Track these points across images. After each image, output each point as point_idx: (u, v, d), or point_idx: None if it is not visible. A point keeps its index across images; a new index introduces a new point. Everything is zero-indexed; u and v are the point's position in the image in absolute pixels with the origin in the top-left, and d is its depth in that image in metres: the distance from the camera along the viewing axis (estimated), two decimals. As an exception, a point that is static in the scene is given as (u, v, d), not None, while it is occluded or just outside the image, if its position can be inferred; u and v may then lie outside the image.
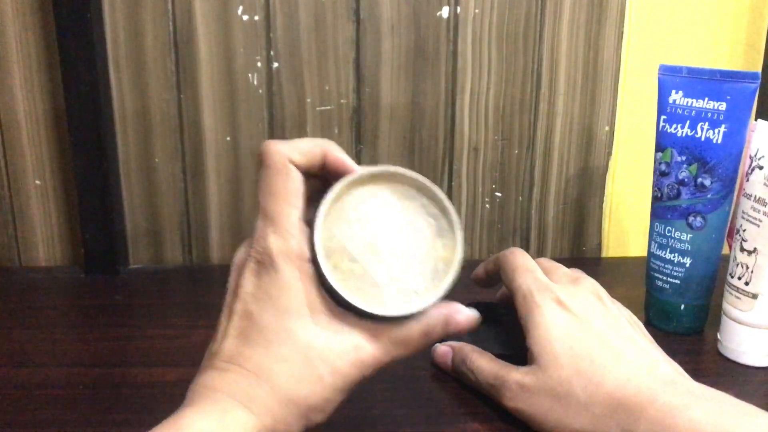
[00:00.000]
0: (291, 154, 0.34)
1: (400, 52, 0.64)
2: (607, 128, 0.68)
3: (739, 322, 0.48)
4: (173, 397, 0.43)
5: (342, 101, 0.65)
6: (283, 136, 0.65)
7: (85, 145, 0.61)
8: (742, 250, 0.48)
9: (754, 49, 0.68)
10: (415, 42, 0.64)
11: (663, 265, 0.53)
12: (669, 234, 0.52)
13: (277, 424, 0.31)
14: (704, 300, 0.53)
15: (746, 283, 0.47)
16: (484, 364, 0.42)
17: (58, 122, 0.64)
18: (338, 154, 0.35)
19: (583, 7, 0.65)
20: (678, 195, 0.51)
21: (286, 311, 0.32)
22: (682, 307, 0.52)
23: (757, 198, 0.47)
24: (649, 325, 0.52)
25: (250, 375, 0.32)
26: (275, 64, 0.64)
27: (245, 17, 0.63)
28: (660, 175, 0.52)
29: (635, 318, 0.43)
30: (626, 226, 0.72)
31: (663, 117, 0.52)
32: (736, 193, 0.51)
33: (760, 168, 0.47)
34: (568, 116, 0.68)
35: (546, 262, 0.45)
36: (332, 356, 0.32)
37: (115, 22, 0.62)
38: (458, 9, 0.64)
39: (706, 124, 0.49)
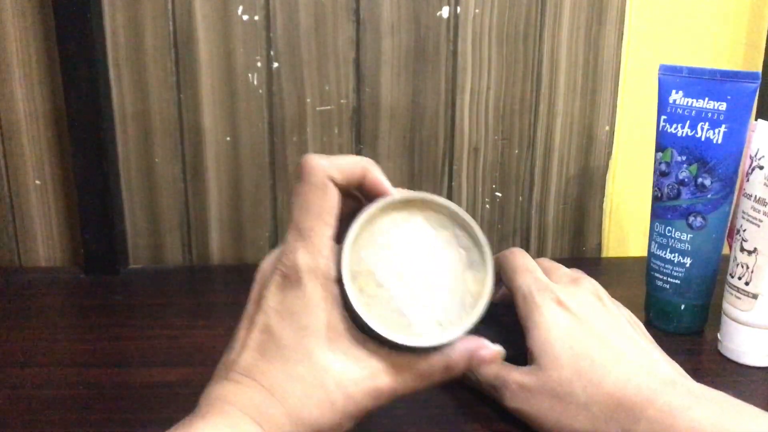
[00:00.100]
0: (331, 172, 0.33)
1: (400, 52, 0.64)
2: (607, 128, 0.68)
3: (740, 322, 0.48)
4: (173, 397, 0.44)
5: (342, 101, 0.65)
6: (283, 136, 0.65)
7: (85, 145, 0.61)
8: (743, 250, 0.48)
9: (755, 48, 0.68)
10: (415, 42, 0.64)
11: (663, 265, 0.53)
12: (669, 234, 0.52)
13: None
14: (704, 300, 0.53)
15: (746, 283, 0.47)
16: (484, 364, 0.42)
17: (58, 122, 0.64)
18: (377, 175, 0.35)
19: (583, 7, 0.65)
20: (678, 195, 0.51)
21: (307, 330, 0.32)
22: (682, 307, 0.52)
23: (758, 198, 0.47)
24: (649, 325, 0.52)
25: (265, 391, 0.32)
26: (275, 64, 0.64)
27: (245, 17, 0.63)
28: (660, 175, 0.52)
29: (635, 318, 0.43)
30: (626, 226, 0.72)
31: (663, 117, 0.52)
32: (736, 193, 0.51)
33: (761, 168, 0.47)
34: (568, 116, 0.68)
35: (546, 262, 0.45)
36: (347, 382, 0.32)
37: (115, 22, 0.62)
38: (458, 9, 0.64)
39: (707, 124, 0.49)
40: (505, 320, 0.45)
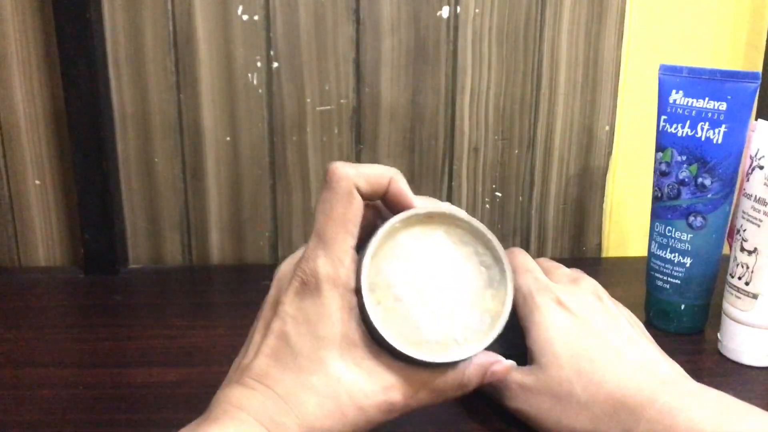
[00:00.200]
0: (357, 181, 0.33)
1: (400, 52, 0.64)
2: (607, 128, 0.68)
3: (740, 322, 0.48)
4: (173, 397, 0.44)
5: (342, 101, 0.65)
6: (283, 136, 0.65)
7: (85, 145, 0.61)
8: (743, 250, 0.48)
9: (755, 48, 0.68)
10: (415, 42, 0.64)
11: (663, 265, 0.53)
12: (669, 234, 0.52)
13: None
14: (704, 300, 0.53)
15: (746, 283, 0.47)
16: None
17: (58, 122, 0.64)
18: (402, 186, 0.35)
19: (583, 7, 0.65)
20: (678, 195, 0.51)
21: (323, 340, 0.32)
22: (683, 307, 0.52)
23: (758, 198, 0.47)
24: (649, 325, 0.52)
25: (279, 399, 0.32)
26: (275, 64, 0.64)
27: (245, 17, 0.62)
28: (660, 175, 0.52)
29: (635, 318, 0.43)
30: (626, 226, 0.72)
31: (663, 117, 0.52)
32: (736, 193, 0.51)
33: (761, 168, 0.47)
34: (568, 116, 0.68)
35: (546, 262, 0.45)
36: (360, 394, 0.32)
37: (115, 22, 0.62)
38: (458, 9, 0.64)
39: (707, 124, 0.49)
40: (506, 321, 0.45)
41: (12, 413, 0.42)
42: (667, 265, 0.52)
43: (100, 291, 0.61)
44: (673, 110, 0.51)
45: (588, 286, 0.42)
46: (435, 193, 0.68)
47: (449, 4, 0.64)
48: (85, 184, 0.62)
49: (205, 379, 0.45)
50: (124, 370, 0.47)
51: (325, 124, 0.66)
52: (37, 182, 0.65)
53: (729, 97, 0.48)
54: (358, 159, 0.67)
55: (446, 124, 0.67)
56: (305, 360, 0.32)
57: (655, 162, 0.53)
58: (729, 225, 0.52)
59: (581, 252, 0.72)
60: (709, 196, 0.50)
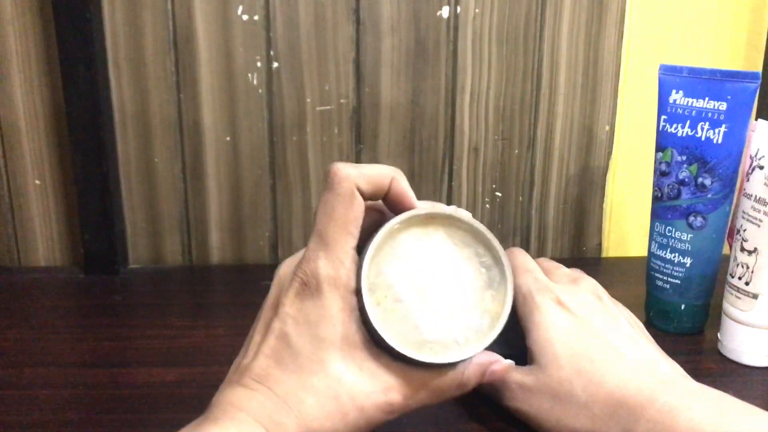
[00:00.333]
0: (359, 181, 0.33)
1: (400, 52, 0.64)
2: (607, 128, 0.68)
3: (740, 322, 0.48)
4: (173, 397, 0.44)
5: (342, 101, 0.65)
6: (283, 136, 0.65)
7: (85, 145, 0.61)
8: (743, 250, 0.48)
9: (755, 48, 0.68)
10: (415, 42, 0.64)
11: (663, 265, 0.53)
12: (669, 234, 0.52)
13: None
14: (704, 300, 0.53)
15: (746, 283, 0.47)
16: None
17: (58, 122, 0.64)
18: (403, 186, 0.35)
19: (583, 7, 0.65)
20: (678, 195, 0.51)
21: (323, 340, 0.32)
22: (683, 307, 0.52)
23: (758, 198, 0.47)
24: (649, 325, 0.52)
25: (279, 400, 0.32)
26: (275, 64, 0.64)
27: (245, 17, 0.62)
28: (660, 175, 0.52)
29: (635, 318, 0.43)
30: (626, 226, 0.72)
31: (663, 117, 0.52)
32: (736, 193, 0.51)
33: (761, 168, 0.47)
34: (568, 116, 0.68)
35: (546, 262, 0.45)
36: (360, 395, 0.32)
37: (114, 22, 0.62)
38: (458, 9, 0.64)
39: (707, 123, 0.49)
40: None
41: (12, 413, 0.42)
42: (667, 265, 0.52)
43: (100, 291, 0.61)
44: (673, 110, 0.51)
45: (588, 286, 0.42)
46: (435, 193, 0.68)
47: (449, 4, 0.64)
48: (85, 184, 0.62)
49: (205, 379, 0.45)
50: (124, 370, 0.47)
51: (325, 124, 0.66)
52: (37, 182, 0.65)
53: (729, 97, 0.48)
54: (358, 159, 0.67)
55: (446, 124, 0.67)
56: (305, 361, 0.32)
57: (655, 162, 0.53)
58: (729, 225, 0.52)
59: (581, 252, 0.72)
60: (709, 196, 0.50)
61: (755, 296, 0.47)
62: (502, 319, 0.34)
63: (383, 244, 0.34)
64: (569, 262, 0.47)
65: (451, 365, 0.34)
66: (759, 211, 0.46)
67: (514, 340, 0.41)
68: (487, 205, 0.69)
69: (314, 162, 0.66)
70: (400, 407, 0.33)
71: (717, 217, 0.50)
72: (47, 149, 0.64)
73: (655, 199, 0.53)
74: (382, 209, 0.36)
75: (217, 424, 0.30)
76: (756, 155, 0.47)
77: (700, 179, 0.50)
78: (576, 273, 0.44)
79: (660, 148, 0.52)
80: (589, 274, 0.44)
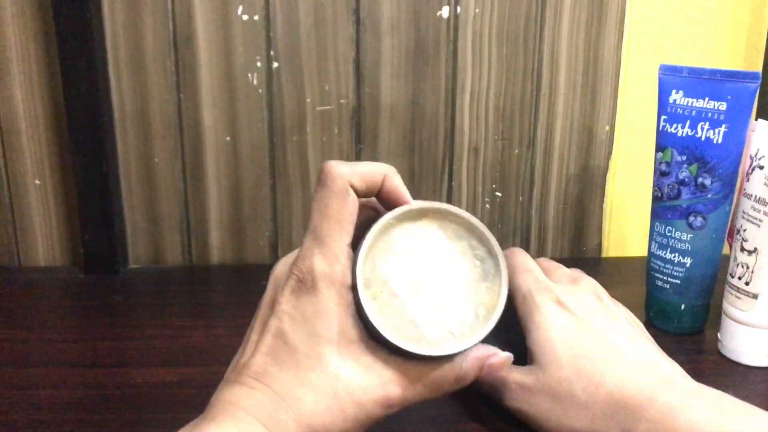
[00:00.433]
0: (351, 178, 0.34)
1: (400, 52, 0.64)
2: (607, 128, 0.68)
3: (740, 322, 0.48)
4: (173, 397, 0.44)
5: (342, 101, 0.65)
6: (282, 136, 0.65)
7: (85, 145, 0.61)
8: (743, 250, 0.48)
9: (755, 49, 0.68)
10: (415, 42, 0.64)
11: (663, 265, 0.53)
12: (669, 234, 0.52)
13: None
14: (704, 300, 0.53)
15: (746, 283, 0.47)
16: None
17: (58, 122, 0.64)
18: (396, 183, 0.35)
19: (583, 7, 0.65)
20: (678, 195, 0.51)
21: (320, 337, 0.32)
22: (683, 307, 0.52)
23: (758, 198, 0.47)
24: (649, 325, 0.52)
25: (276, 397, 0.32)
26: (275, 64, 0.64)
27: (245, 17, 0.62)
28: (660, 175, 0.52)
29: (635, 318, 0.43)
30: (626, 226, 0.72)
31: (663, 117, 0.52)
32: (736, 193, 0.51)
33: (761, 168, 0.47)
34: (568, 116, 0.68)
35: (546, 262, 0.45)
36: (358, 390, 0.32)
37: (114, 22, 0.62)
38: (458, 9, 0.64)
39: (707, 123, 0.49)
40: (505, 320, 0.45)
41: (12, 413, 0.42)
42: (667, 265, 0.52)
43: (100, 291, 0.61)
44: (673, 110, 0.51)
45: (588, 285, 0.42)
46: (435, 193, 0.68)
47: (449, 4, 0.64)
48: (85, 184, 0.62)
49: (205, 379, 0.45)
50: (124, 370, 0.47)
51: (325, 124, 0.66)
52: (37, 182, 0.65)
53: (729, 97, 0.48)
54: (357, 159, 0.67)
55: (446, 124, 0.67)
56: (303, 357, 0.32)
57: (655, 162, 0.53)
58: (729, 225, 0.52)
59: (581, 252, 0.72)
60: (709, 196, 0.50)
61: (755, 296, 0.47)
62: (498, 310, 0.35)
63: (377, 240, 0.34)
64: (569, 262, 0.47)
65: (448, 358, 0.34)
66: (759, 211, 0.46)
67: (514, 340, 0.41)
68: (487, 205, 0.69)
69: (314, 162, 0.66)
70: (398, 401, 0.33)
71: (717, 217, 0.50)
72: (47, 149, 0.64)
73: (655, 199, 0.53)
74: (375, 206, 0.36)
75: (216, 422, 0.30)
76: (756, 155, 0.47)
77: (700, 179, 0.50)
78: (576, 273, 0.44)
79: (660, 148, 0.52)
80: (589, 274, 0.44)
